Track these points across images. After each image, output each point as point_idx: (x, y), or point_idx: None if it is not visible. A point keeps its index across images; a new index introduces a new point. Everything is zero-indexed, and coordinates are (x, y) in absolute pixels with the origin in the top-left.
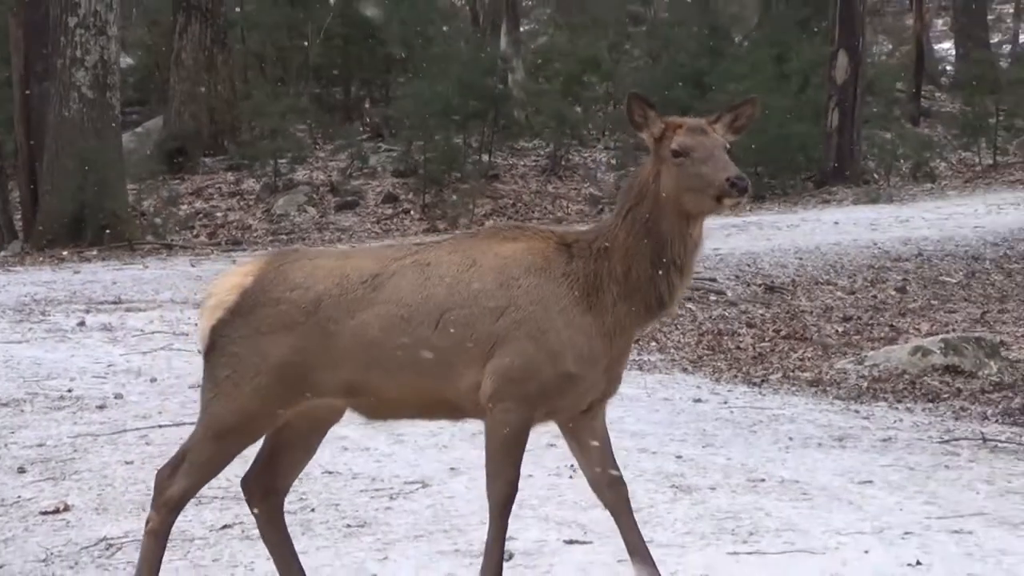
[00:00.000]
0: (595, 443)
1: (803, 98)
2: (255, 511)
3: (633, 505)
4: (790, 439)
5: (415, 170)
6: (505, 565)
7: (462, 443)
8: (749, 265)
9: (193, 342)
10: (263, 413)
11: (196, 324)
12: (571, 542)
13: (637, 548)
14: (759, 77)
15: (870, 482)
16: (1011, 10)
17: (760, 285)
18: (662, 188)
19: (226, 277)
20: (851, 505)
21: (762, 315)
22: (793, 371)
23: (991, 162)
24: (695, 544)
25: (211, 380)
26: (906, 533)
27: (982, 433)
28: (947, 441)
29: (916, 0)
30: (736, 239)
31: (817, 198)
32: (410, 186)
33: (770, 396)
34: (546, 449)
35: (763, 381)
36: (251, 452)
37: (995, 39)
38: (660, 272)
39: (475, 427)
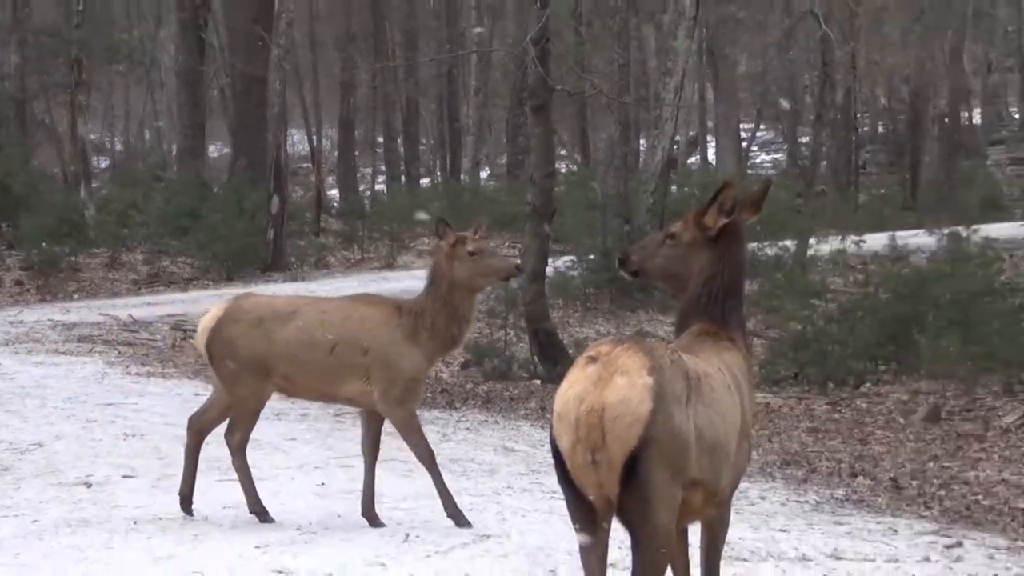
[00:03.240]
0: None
1: (254, 222)
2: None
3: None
4: (276, 415)
5: (32, 266)
6: (85, 491)
7: (62, 421)
8: None
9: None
10: (258, 387)
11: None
12: (126, 477)
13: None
14: (230, 211)
15: (294, 439)
16: (370, 170)
17: None
18: (455, 274)
19: (208, 314)
20: (284, 452)
21: None
22: None
23: (359, 257)
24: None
25: (220, 377)
26: (316, 467)
27: None
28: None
29: (316, 165)
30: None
31: (263, 279)
32: (30, 275)
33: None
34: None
35: None
36: None
37: (363, 187)
38: (453, 323)
39: (74, 411)
